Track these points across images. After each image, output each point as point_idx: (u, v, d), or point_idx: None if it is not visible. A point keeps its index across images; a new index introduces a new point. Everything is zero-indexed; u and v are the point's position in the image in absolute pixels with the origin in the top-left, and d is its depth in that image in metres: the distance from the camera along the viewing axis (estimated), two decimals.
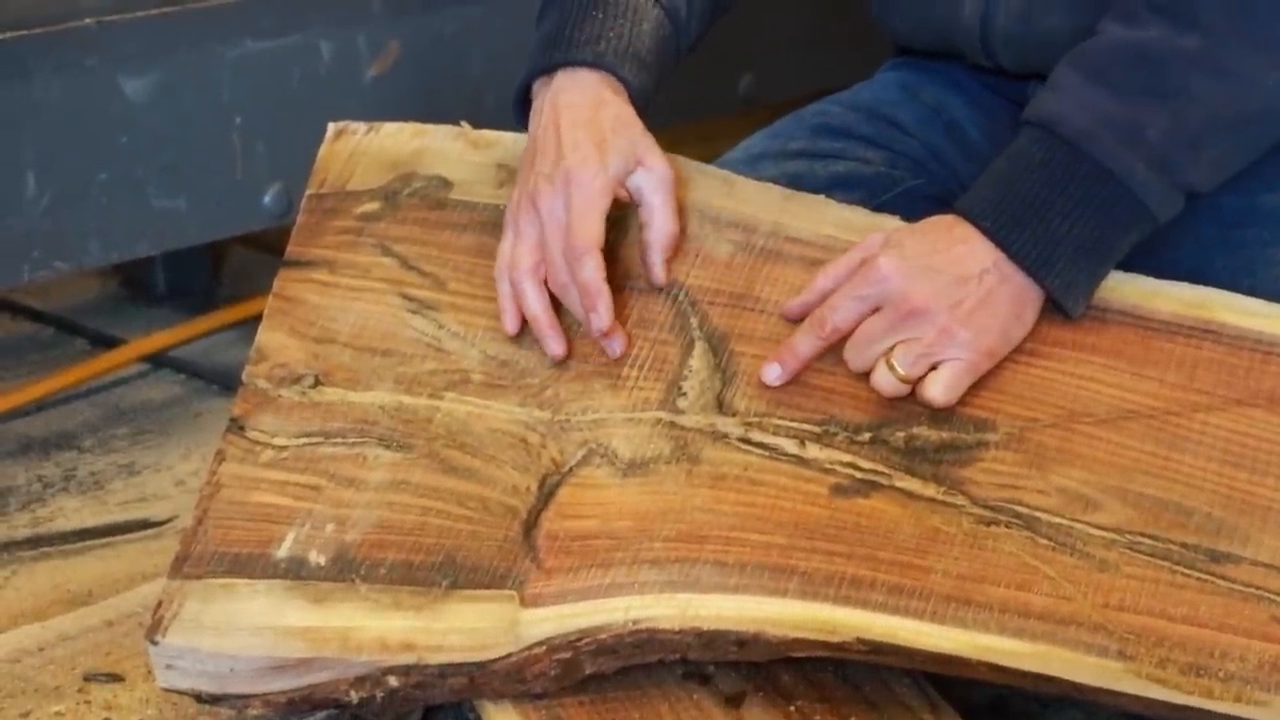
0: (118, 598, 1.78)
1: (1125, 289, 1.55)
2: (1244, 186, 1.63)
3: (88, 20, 2.07)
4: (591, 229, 1.55)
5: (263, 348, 1.64)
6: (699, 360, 1.56)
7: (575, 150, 1.56)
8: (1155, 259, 1.59)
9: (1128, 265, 1.57)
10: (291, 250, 1.70)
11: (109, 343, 2.57)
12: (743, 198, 1.65)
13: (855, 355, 1.51)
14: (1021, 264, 1.49)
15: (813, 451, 1.50)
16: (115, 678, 1.63)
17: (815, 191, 1.66)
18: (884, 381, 1.50)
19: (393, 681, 1.46)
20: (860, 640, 1.40)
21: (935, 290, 1.48)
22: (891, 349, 1.50)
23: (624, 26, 1.61)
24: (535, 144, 1.60)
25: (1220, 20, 1.52)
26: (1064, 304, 1.51)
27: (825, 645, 1.41)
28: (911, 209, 1.64)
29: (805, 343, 1.52)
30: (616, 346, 1.57)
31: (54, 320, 2.68)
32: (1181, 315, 1.54)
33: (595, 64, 1.60)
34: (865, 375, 1.52)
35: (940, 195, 1.77)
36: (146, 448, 2.32)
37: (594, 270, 1.54)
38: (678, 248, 1.60)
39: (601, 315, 1.54)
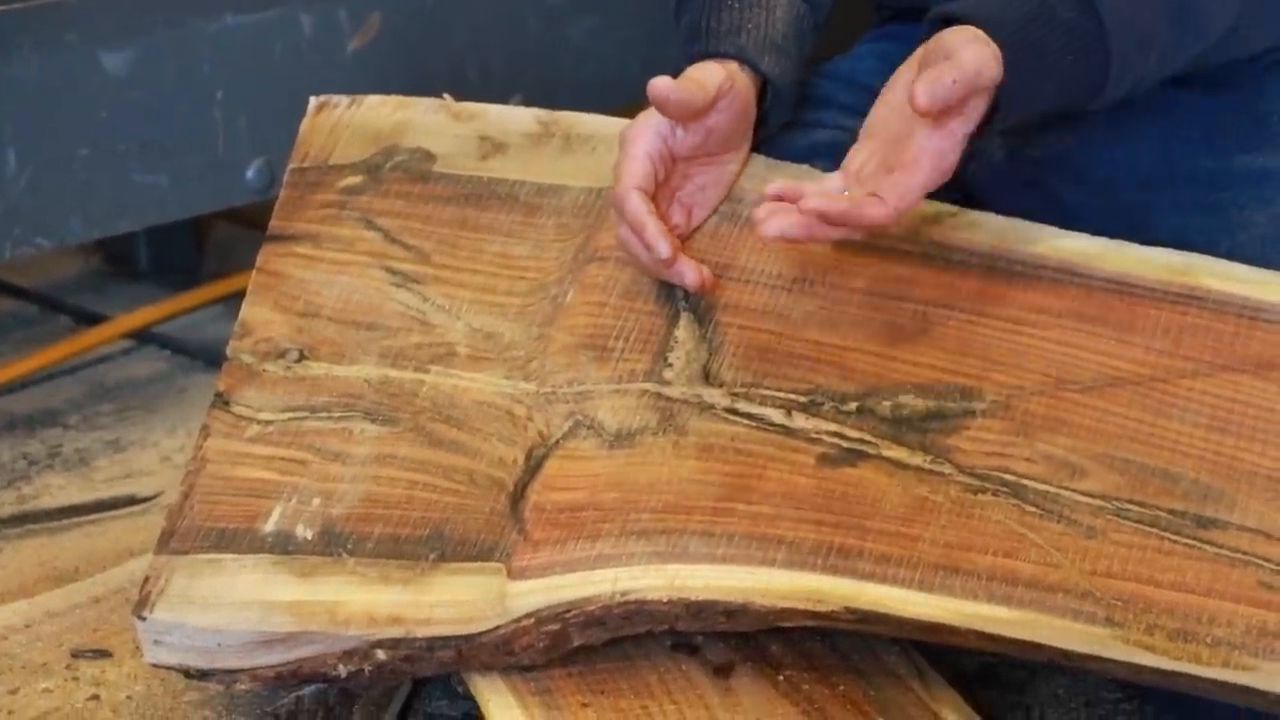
0: (104, 574, 1.78)
1: (1109, 256, 1.55)
2: (1220, 149, 1.63)
3: None
4: (627, 173, 1.54)
5: (247, 322, 1.63)
6: (684, 331, 1.56)
7: None
8: (1133, 224, 1.59)
9: (1108, 232, 1.57)
10: (275, 225, 1.69)
11: (93, 319, 2.56)
12: None
13: None
14: (1000, 101, 1.48)
15: (799, 421, 1.50)
16: (103, 654, 1.63)
17: (796, 160, 1.65)
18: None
19: (381, 655, 1.46)
20: (848, 609, 1.40)
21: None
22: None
23: (760, 16, 1.61)
24: None
25: None
26: (980, 138, 1.51)
27: (813, 615, 1.41)
28: None
29: None
30: (688, 277, 1.54)
31: (37, 297, 2.67)
32: (1166, 281, 1.53)
33: (738, 56, 1.59)
34: (852, 341, 1.52)
35: None
36: (132, 424, 2.31)
37: (636, 203, 1.52)
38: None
39: (657, 244, 1.52)
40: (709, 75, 1.55)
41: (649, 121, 1.56)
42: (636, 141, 1.55)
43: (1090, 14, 1.49)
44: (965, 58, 1.44)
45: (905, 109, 1.47)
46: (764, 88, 1.61)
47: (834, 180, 1.51)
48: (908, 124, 1.48)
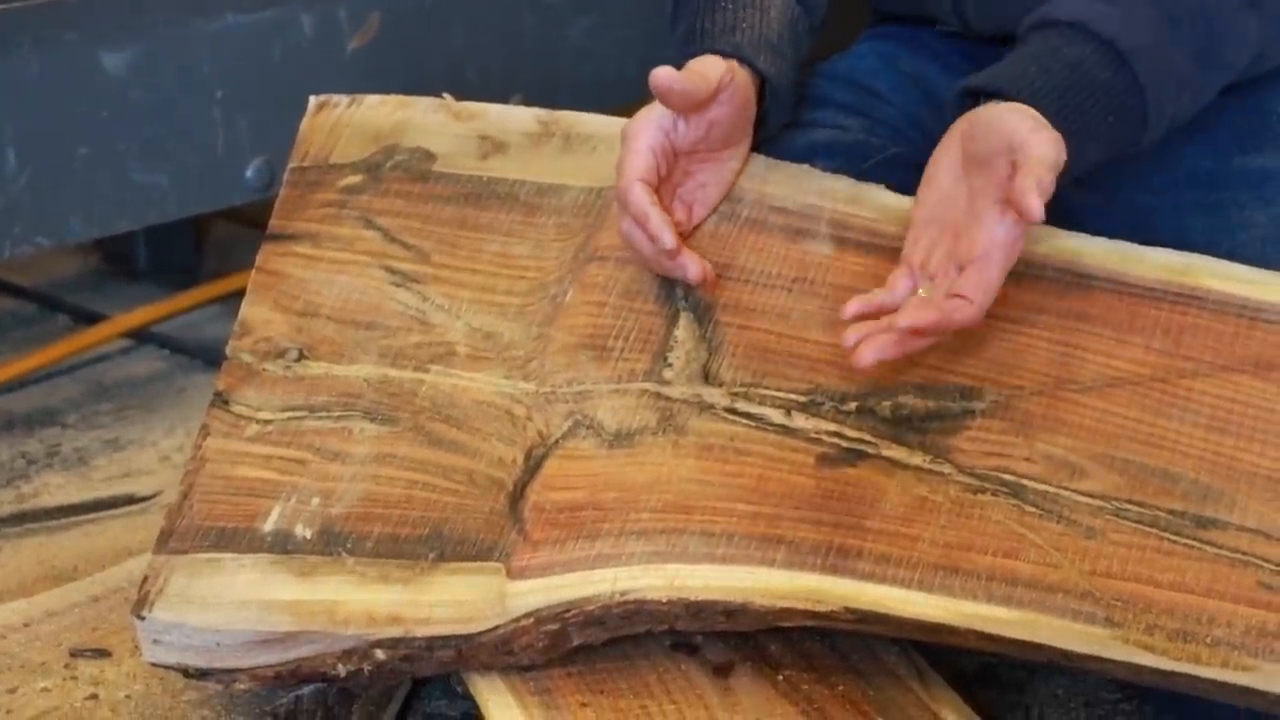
0: (103, 573, 1.78)
1: (1110, 255, 1.55)
2: (1220, 149, 1.64)
3: None
4: (630, 166, 1.54)
5: (246, 322, 1.63)
6: (684, 331, 1.56)
7: None
8: (1133, 224, 1.59)
9: (1108, 233, 1.57)
10: (274, 224, 1.69)
11: (92, 318, 2.56)
12: None
13: None
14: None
15: (799, 421, 1.50)
16: (102, 653, 1.63)
17: (795, 160, 1.65)
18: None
19: (380, 654, 1.46)
20: (848, 609, 1.40)
21: None
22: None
23: (754, 16, 1.61)
24: None
25: (1276, 9, 1.56)
26: None
27: (813, 615, 1.41)
28: (891, 176, 1.64)
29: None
30: (690, 270, 1.54)
31: (36, 296, 2.67)
32: (1166, 281, 1.53)
33: (735, 54, 1.59)
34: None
35: (919, 162, 1.76)
36: (130, 423, 2.31)
37: (640, 195, 1.52)
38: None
39: (661, 234, 1.52)
40: (710, 67, 1.55)
41: (651, 115, 1.56)
42: (639, 135, 1.55)
43: (1125, 71, 1.50)
44: (1043, 150, 1.43)
45: (958, 196, 1.48)
46: (762, 87, 1.61)
47: (902, 280, 1.50)
48: (966, 213, 1.47)
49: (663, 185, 1.57)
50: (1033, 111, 1.46)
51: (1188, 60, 1.53)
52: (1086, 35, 1.51)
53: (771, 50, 1.61)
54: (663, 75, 1.51)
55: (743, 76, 1.58)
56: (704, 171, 1.60)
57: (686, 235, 1.59)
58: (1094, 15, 1.51)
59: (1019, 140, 1.44)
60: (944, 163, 1.51)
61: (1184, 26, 1.52)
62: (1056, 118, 1.47)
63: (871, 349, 1.44)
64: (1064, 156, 1.45)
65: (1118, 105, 1.50)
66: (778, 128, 1.66)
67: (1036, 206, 1.41)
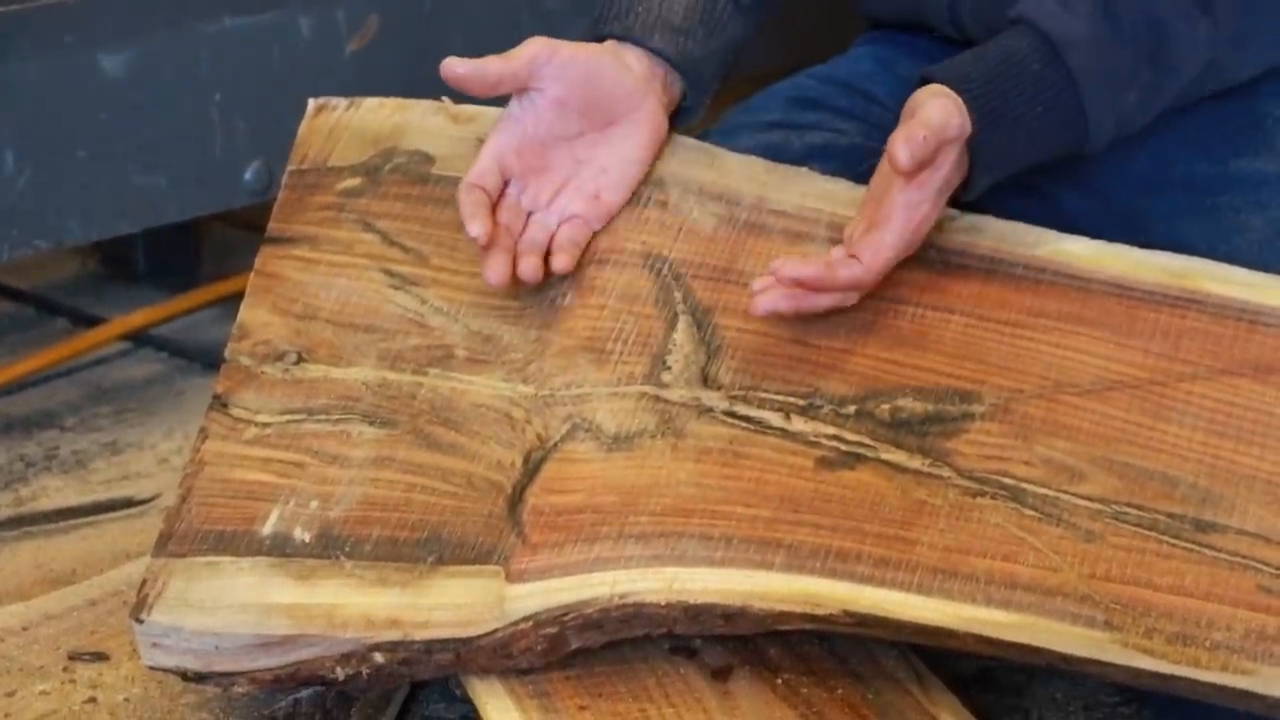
0: (101, 576, 1.77)
1: (1109, 259, 1.55)
2: (1216, 154, 1.64)
3: None
4: (469, 172, 1.57)
5: (245, 325, 1.63)
6: (683, 334, 1.56)
7: None
8: (1130, 228, 1.59)
9: (1105, 237, 1.57)
10: (273, 227, 1.69)
11: (90, 321, 2.56)
12: (725, 170, 1.65)
13: None
14: (975, 157, 1.52)
15: (798, 424, 1.50)
16: (100, 656, 1.62)
17: (792, 163, 1.65)
18: None
19: (379, 658, 1.46)
20: (847, 613, 1.40)
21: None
22: None
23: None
24: None
25: (1230, 17, 1.57)
26: (961, 194, 1.54)
27: (812, 618, 1.41)
28: None
29: None
30: (490, 271, 1.55)
31: (34, 299, 2.67)
32: (1165, 285, 1.53)
33: (624, 38, 1.61)
34: (851, 344, 1.53)
35: None
36: (129, 426, 2.31)
37: (463, 196, 1.55)
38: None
39: (469, 224, 1.54)
40: (522, 46, 1.58)
41: (497, 121, 1.60)
42: (486, 142, 1.59)
43: (1058, 64, 1.53)
44: (930, 111, 1.48)
45: (884, 168, 1.51)
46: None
47: (835, 251, 1.53)
48: (886, 182, 1.51)
49: (538, 179, 1.59)
50: (946, 89, 1.50)
51: (1130, 59, 1.54)
52: (1027, 29, 1.54)
53: (672, 30, 1.62)
54: (449, 64, 1.54)
55: (590, 53, 1.59)
56: (598, 157, 1.61)
57: (602, 224, 1.60)
58: (1039, 13, 1.54)
59: (913, 105, 1.49)
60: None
61: (1126, 26, 1.54)
62: (978, 102, 1.50)
63: (766, 300, 1.49)
64: (958, 123, 1.48)
65: (1049, 98, 1.52)
66: (700, 109, 1.67)
67: (900, 154, 1.44)
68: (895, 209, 1.49)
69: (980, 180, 1.53)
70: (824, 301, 1.51)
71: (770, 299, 1.49)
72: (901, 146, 1.45)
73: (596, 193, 1.61)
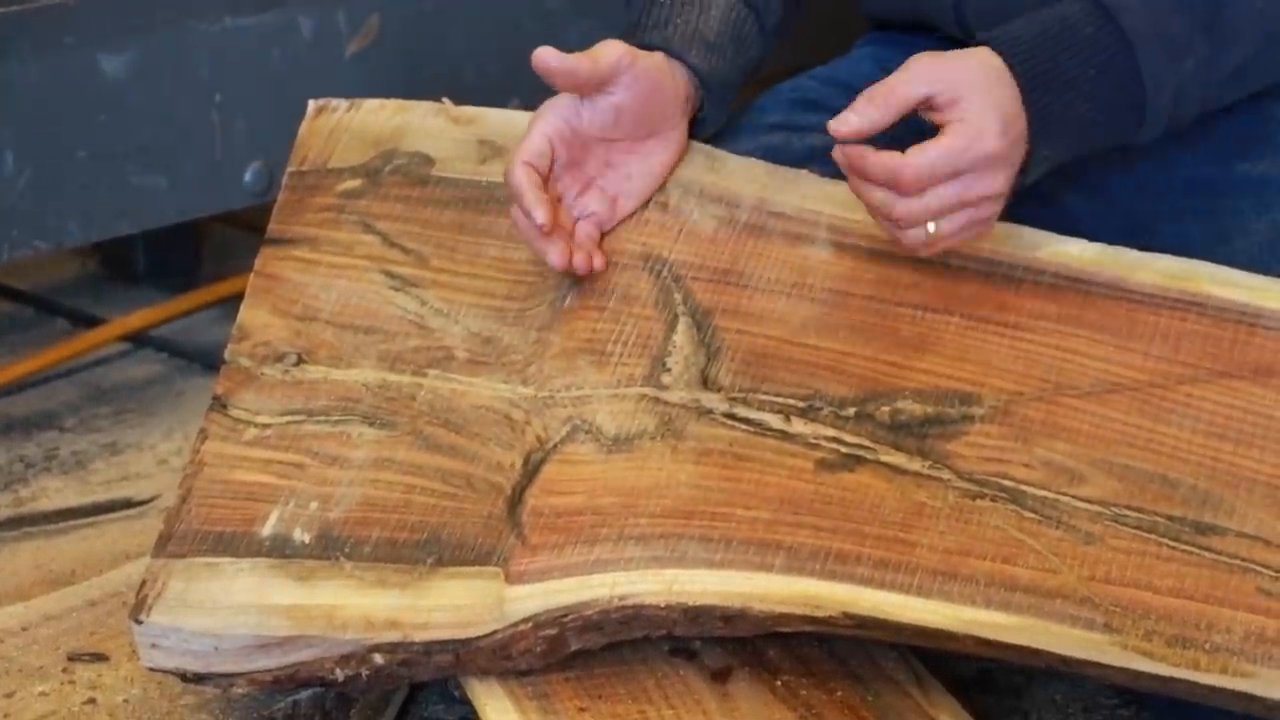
0: (101, 577, 1.77)
1: (1109, 261, 1.55)
2: (1218, 156, 1.63)
3: None
4: (519, 150, 1.56)
5: (245, 326, 1.63)
6: (683, 336, 1.56)
7: None
8: (1132, 230, 1.59)
9: (1107, 239, 1.57)
10: (273, 228, 1.69)
11: (90, 322, 2.56)
12: (726, 172, 1.65)
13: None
14: (1030, 124, 1.49)
15: (798, 426, 1.50)
16: (99, 657, 1.62)
17: (792, 164, 1.65)
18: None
19: (378, 659, 1.46)
20: (846, 615, 1.40)
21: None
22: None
23: (691, 13, 1.63)
24: None
25: None
26: (1025, 175, 1.51)
27: (811, 620, 1.41)
28: None
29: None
30: (552, 254, 1.55)
31: (34, 300, 2.66)
32: (1166, 287, 1.53)
33: (663, 48, 1.61)
34: (850, 346, 1.52)
35: None
36: (128, 427, 2.31)
37: (518, 175, 1.54)
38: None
39: (535, 210, 1.52)
40: (607, 50, 1.57)
41: (553, 102, 1.58)
42: (537, 121, 1.57)
43: (1111, 26, 1.50)
44: (893, 78, 1.47)
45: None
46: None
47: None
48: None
49: (572, 172, 1.58)
50: (983, 53, 1.48)
51: (1186, 25, 1.52)
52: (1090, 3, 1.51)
53: (706, 47, 1.62)
54: (542, 54, 1.53)
55: (657, 66, 1.58)
56: (628, 164, 1.60)
57: (609, 229, 1.60)
58: None
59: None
60: None
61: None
62: (1026, 64, 1.47)
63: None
64: (914, 87, 1.46)
65: (1103, 61, 1.49)
66: (717, 125, 1.67)
67: (837, 123, 1.46)
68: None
69: (1040, 150, 1.49)
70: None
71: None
72: (842, 115, 1.46)
73: (616, 197, 1.61)
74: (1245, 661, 1.35)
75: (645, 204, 1.63)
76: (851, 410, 1.50)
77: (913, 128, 1.51)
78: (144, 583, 1.50)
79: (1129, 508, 1.43)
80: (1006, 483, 1.45)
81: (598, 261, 1.57)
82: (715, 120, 1.66)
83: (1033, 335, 1.52)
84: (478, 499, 1.50)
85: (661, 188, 1.63)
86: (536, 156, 1.56)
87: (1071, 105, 1.49)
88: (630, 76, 1.57)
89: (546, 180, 1.56)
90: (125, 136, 2.13)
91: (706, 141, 1.71)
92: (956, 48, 1.77)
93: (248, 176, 2.23)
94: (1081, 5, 1.51)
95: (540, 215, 1.52)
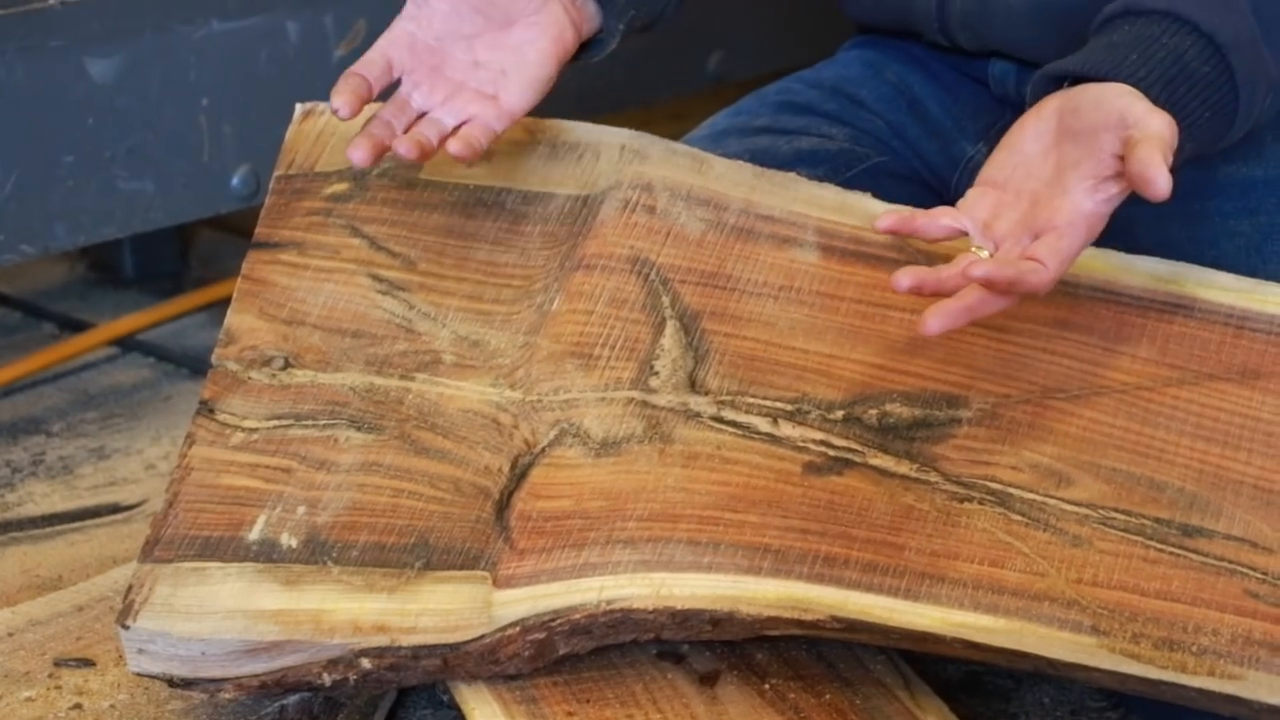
0: (88, 582, 1.77)
1: (1097, 264, 1.55)
2: (1206, 159, 1.63)
3: (52, 1, 2.06)
4: (365, 55, 1.57)
5: (232, 330, 1.63)
6: (671, 339, 1.56)
7: None
8: (1118, 233, 1.59)
9: (1095, 242, 1.56)
10: (260, 232, 1.69)
11: (77, 326, 2.55)
12: (713, 175, 1.65)
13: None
14: None
15: (785, 430, 1.50)
16: (86, 663, 1.62)
17: (780, 167, 1.65)
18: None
19: (366, 664, 1.46)
20: (834, 618, 1.40)
21: None
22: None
23: None
24: None
25: None
26: None
27: (799, 623, 1.41)
28: (875, 185, 1.64)
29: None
30: (354, 152, 1.54)
31: (21, 304, 2.66)
32: (1153, 290, 1.54)
33: None
34: (838, 350, 1.52)
35: (903, 172, 1.77)
36: (116, 432, 2.30)
37: (338, 82, 1.55)
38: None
39: (333, 99, 1.54)
40: None
41: (399, 17, 1.58)
42: (380, 39, 1.57)
43: (1224, 67, 1.46)
44: (1159, 127, 1.40)
45: (1042, 166, 1.44)
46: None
47: (971, 229, 1.45)
48: (1051, 183, 1.44)
49: (431, 78, 1.57)
50: (1140, 94, 1.42)
51: (1273, 63, 1.49)
52: (1185, 27, 1.46)
53: None
54: None
55: None
56: (497, 59, 1.59)
57: (505, 126, 1.58)
58: (1190, 7, 1.46)
59: (1134, 117, 1.40)
60: (1030, 131, 1.46)
61: (1274, 26, 1.49)
62: (1162, 106, 1.43)
63: (936, 320, 1.40)
64: (1175, 140, 1.41)
65: (1214, 101, 1.47)
66: (614, 33, 1.63)
67: (1159, 181, 1.37)
68: (1081, 220, 1.42)
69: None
70: (997, 307, 1.42)
71: (943, 318, 1.40)
72: (1160, 168, 1.37)
73: (495, 94, 1.58)
74: (1233, 664, 1.35)
75: (625, 201, 1.61)
76: (839, 413, 1.50)
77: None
78: (131, 588, 1.49)
79: (1116, 510, 1.43)
80: (994, 485, 1.46)
81: (454, 148, 1.54)
82: (611, 27, 1.62)
83: (1020, 338, 1.53)
84: (465, 503, 1.50)
85: (648, 190, 1.63)
86: (364, 65, 1.56)
87: (1183, 142, 1.45)
88: None
89: (377, 90, 1.56)
90: (112, 140, 2.13)
91: (689, 142, 1.71)
92: (939, 52, 1.78)
93: (235, 180, 2.23)
94: (1193, 41, 1.46)
95: (336, 102, 1.53)
